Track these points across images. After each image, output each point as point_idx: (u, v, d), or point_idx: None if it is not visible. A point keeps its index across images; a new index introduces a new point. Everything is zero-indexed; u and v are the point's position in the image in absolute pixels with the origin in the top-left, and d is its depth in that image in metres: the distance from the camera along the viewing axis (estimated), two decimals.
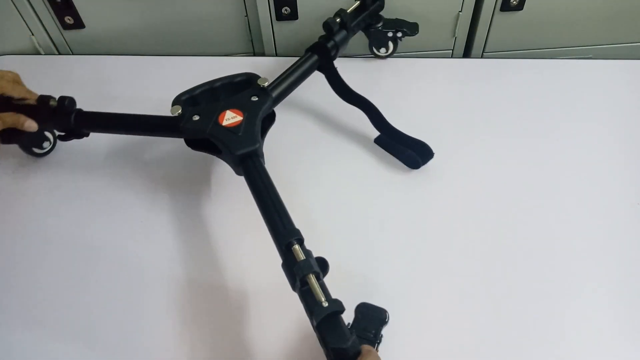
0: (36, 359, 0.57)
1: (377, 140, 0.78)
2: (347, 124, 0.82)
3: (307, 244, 0.52)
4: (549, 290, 0.61)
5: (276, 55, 0.98)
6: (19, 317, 0.61)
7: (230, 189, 0.72)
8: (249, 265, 0.64)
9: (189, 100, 0.68)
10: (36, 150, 0.77)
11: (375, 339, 0.52)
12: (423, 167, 0.74)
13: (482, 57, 0.98)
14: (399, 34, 0.88)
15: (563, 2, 0.90)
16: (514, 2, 0.89)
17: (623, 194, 0.70)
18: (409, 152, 0.74)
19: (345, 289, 0.50)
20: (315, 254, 0.51)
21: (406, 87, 0.88)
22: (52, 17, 0.93)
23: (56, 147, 0.80)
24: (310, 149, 0.78)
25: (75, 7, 0.92)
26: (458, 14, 0.92)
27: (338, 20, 0.79)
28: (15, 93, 0.68)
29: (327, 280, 0.49)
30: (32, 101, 0.69)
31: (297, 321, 0.58)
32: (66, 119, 0.69)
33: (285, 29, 0.93)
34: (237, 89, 0.69)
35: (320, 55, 0.78)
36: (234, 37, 0.97)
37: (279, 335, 0.58)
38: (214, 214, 0.70)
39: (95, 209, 0.72)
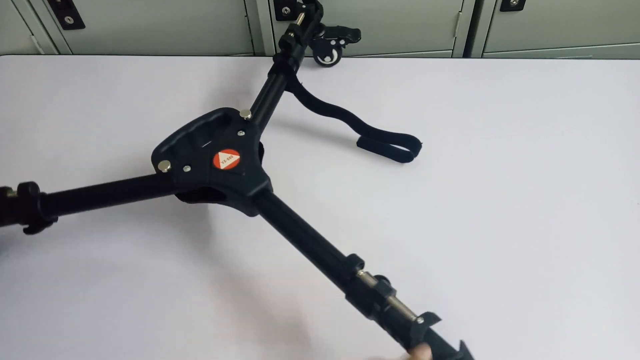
0: None
1: (360, 143, 0.77)
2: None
3: None
4: (549, 289, 0.61)
5: None
6: None
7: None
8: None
9: (168, 151, 0.62)
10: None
11: None
12: (423, 168, 0.74)
13: (482, 57, 0.98)
14: (342, 42, 0.88)
15: (563, 2, 0.90)
16: (514, 2, 0.89)
17: (623, 194, 0.70)
18: (395, 147, 0.74)
19: None
20: None
21: (406, 87, 0.88)
22: (52, 17, 0.93)
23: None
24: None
25: (75, 7, 0.92)
26: (458, 14, 0.92)
27: (292, 35, 0.79)
28: None
29: None
30: None
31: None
32: (32, 209, 0.59)
33: (285, 28, 0.93)
34: (214, 127, 0.66)
35: (286, 74, 0.76)
36: (234, 37, 0.97)
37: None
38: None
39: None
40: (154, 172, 0.60)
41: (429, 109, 0.84)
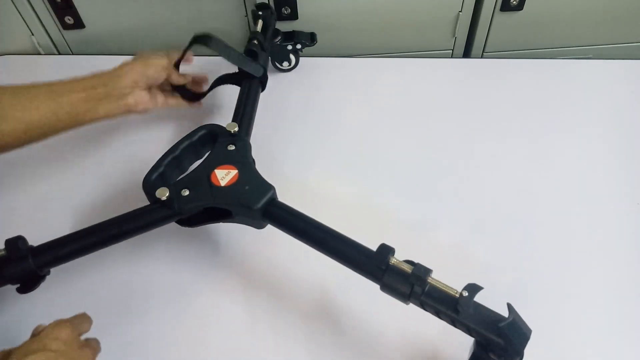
0: None
1: None
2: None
3: None
4: (549, 289, 0.61)
5: None
6: None
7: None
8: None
9: (159, 178, 0.60)
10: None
11: None
12: (422, 167, 0.74)
13: (482, 57, 0.98)
14: (299, 46, 0.88)
15: (563, 2, 0.90)
16: (514, 2, 0.89)
17: (623, 194, 0.71)
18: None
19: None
20: None
21: (406, 87, 0.88)
22: (52, 17, 0.93)
23: None
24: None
25: (75, 7, 0.92)
26: (458, 14, 0.92)
27: (256, 42, 0.78)
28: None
29: None
30: None
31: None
32: (24, 265, 0.53)
33: (285, 28, 0.93)
34: (199, 146, 0.64)
35: (260, 81, 0.77)
36: (234, 37, 0.97)
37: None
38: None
39: None
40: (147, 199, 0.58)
41: (428, 109, 0.84)
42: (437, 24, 0.94)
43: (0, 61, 0.96)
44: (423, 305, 0.47)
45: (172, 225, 0.59)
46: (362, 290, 0.52)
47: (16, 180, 0.76)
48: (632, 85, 0.86)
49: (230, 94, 0.77)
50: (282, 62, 0.90)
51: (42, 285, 0.56)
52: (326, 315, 0.60)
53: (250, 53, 0.77)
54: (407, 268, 0.47)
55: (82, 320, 0.51)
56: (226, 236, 0.68)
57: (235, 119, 0.68)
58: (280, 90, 0.86)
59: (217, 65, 0.79)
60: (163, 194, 0.56)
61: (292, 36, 0.88)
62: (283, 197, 0.58)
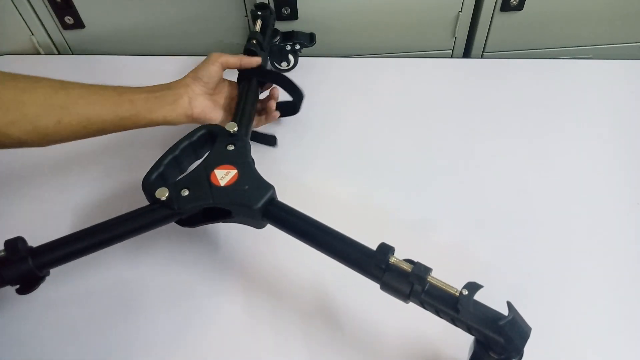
0: None
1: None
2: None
3: None
4: (548, 289, 0.61)
5: None
6: None
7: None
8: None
9: (159, 178, 0.60)
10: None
11: None
12: (422, 167, 0.74)
13: (482, 57, 0.98)
14: (297, 46, 0.88)
15: (563, 2, 0.90)
16: (514, 2, 0.89)
17: (623, 194, 0.70)
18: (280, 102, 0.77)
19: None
20: None
21: (406, 87, 0.88)
22: (52, 17, 0.93)
23: None
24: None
25: (75, 7, 0.92)
26: (458, 14, 0.92)
27: (255, 42, 0.78)
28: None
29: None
30: None
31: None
32: (23, 266, 0.53)
33: (285, 28, 0.93)
34: (198, 147, 0.64)
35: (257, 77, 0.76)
36: (234, 37, 0.97)
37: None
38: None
39: None
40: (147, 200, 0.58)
41: (429, 109, 0.84)
42: (437, 24, 0.94)
43: (0, 61, 0.96)
44: (423, 304, 0.47)
45: (172, 225, 0.59)
46: (362, 290, 0.52)
47: (16, 181, 0.76)
48: (632, 85, 0.86)
49: None
50: (281, 62, 0.90)
51: (41, 285, 0.56)
52: (326, 314, 0.60)
53: (249, 53, 0.77)
54: (407, 267, 0.47)
55: None
56: (225, 236, 0.68)
57: (234, 119, 0.68)
58: (280, 90, 0.86)
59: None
60: (163, 194, 0.56)
61: (291, 36, 0.88)
62: (283, 196, 0.58)
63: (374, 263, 0.49)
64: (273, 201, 0.57)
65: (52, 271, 0.56)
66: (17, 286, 0.54)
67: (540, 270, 0.63)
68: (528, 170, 0.74)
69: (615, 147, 0.77)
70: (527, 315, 0.46)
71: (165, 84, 0.68)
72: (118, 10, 0.93)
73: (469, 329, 0.45)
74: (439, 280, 0.47)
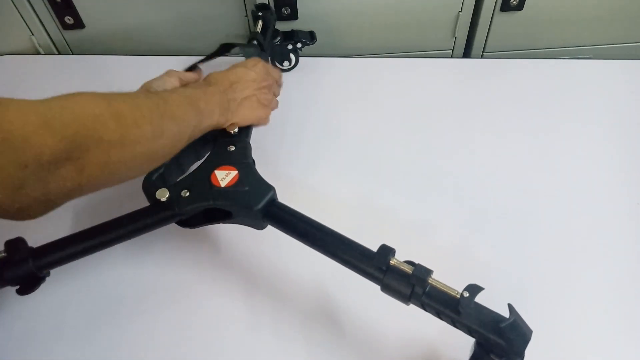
0: None
1: None
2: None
3: None
4: (548, 289, 0.61)
5: None
6: None
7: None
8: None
9: (159, 178, 0.59)
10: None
11: None
12: (422, 167, 0.74)
13: (482, 57, 0.98)
14: (299, 45, 0.88)
15: (563, 2, 0.90)
16: (514, 2, 0.89)
17: (623, 194, 0.71)
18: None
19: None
20: None
21: (406, 87, 0.88)
22: (52, 17, 0.93)
23: None
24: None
25: (75, 7, 0.92)
26: (458, 14, 0.92)
27: (256, 43, 0.78)
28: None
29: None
30: None
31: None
32: (24, 266, 0.53)
33: (285, 28, 0.93)
34: (199, 147, 0.64)
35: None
36: (234, 37, 0.97)
37: None
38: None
39: None
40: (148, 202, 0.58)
41: (429, 109, 0.84)
42: (437, 24, 0.94)
43: (0, 61, 0.96)
44: (424, 306, 0.47)
45: (172, 226, 0.59)
46: (363, 291, 0.52)
47: None
48: (632, 85, 0.86)
49: None
50: (283, 62, 0.90)
51: (42, 285, 0.56)
52: (326, 315, 0.60)
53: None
54: (408, 269, 0.47)
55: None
56: (226, 236, 0.68)
57: None
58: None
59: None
60: (163, 194, 0.56)
61: (292, 35, 0.88)
62: (283, 197, 0.58)
63: (375, 265, 0.49)
64: (274, 202, 0.57)
65: (52, 271, 0.56)
66: (17, 287, 0.54)
67: (541, 271, 0.63)
68: (528, 170, 0.74)
69: (615, 147, 0.77)
70: (528, 316, 0.46)
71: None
72: (118, 10, 0.93)
73: (469, 332, 0.45)
74: (439, 282, 0.47)
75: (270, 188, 0.57)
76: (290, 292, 0.62)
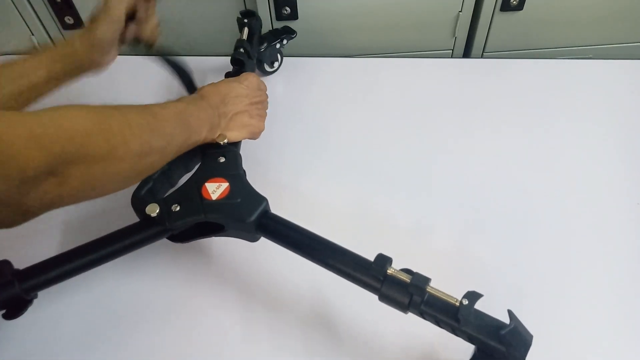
0: None
1: None
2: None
3: None
4: (548, 289, 0.61)
5: None
6: None
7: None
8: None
9: (148, 193, 0.58)
10: None
11: None
12: (422, 166, 0.74)
13: (482, 57, 0.98)
14: (284, 41, 0.87)
15: (563, 2, 0.90)
16: (514, 2, 0.89)
17: (623, 194, 0.70)
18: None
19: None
20: None
21: (406, 87, 0.88)
22: (52, 17, 0.93)
23: None
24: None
25: (75, 7, 0.92)
26: (458, 14, 0.92)
27: (242, 51, 0.78)
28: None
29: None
30: None
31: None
32: (10, 290, 0.51)
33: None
34: (188, 160, 0.62)
35: None
36: (234, 37, 0.97)
37: None
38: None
39: None
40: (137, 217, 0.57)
41: (429, 109, 0.84)
42: (437, 24, 0.94)
43: (0, 61, 0.96)
44: (423, 315, 0.47)
45: (163, 240, 0.58)
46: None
47: None
48: (632, 85, 0.86)
49: None
50: (273, 63, 0.89)
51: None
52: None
53: (237, 62, 0.77)
54: (406, 278, 0.47)
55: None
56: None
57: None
58: (278, 92, 0.86)
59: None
60: (153, 210, 0.55)
61: (276, 34, 0.87)
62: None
63: (372, 274, 0.48)
64: (266, 214, 0.56)
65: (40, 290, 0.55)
66: (3, 311, 0.52)
67: (541, 273, 0.62)
68: (528, 170, 0.74)
69: (615, 147, 0.77)
70: (529, 319, 0.45)
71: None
72: None
73: (470, 339, 0.45)
74: (438, 290, 0.46)
75: (262, 199, 0.56)
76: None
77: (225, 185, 0.57)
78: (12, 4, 0.90)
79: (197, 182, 0.58)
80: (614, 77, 0.88)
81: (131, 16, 0.65)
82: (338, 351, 0.56)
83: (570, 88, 0.86)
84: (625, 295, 0.60)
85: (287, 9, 0.90)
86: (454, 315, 0.45)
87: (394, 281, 0.47)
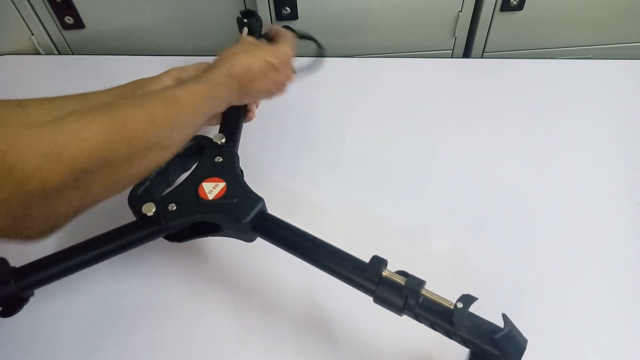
0: None
1: None
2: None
3: None
4: (547, 289, 0.61)
5: None
6: None
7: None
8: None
9: (145, 192, 0.58)
10: None
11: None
12: (422, 166, 0.74)
13: (482, 57, 0.98)
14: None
15: (563, 2, 0.90)
16: (514, 2, 0.89)
17: (623, 194, 0.70)
18: None
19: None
20: None
21: (406, 87, 0.88)
22: (52, 17, 0.93)
23: None
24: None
25: (75, 7, 0.92)
26: (458, 14, 0.92)
27: None
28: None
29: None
30: None
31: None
32: (6, 288, 0.51)
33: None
34: (186, 159, 0.63)
35: None
36: (235, 37, 0.97)
37: None
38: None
39: None
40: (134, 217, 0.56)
41: (429, 109, 0.84)
42: (437, 24, 0.94)
43: (0, 61, 0.96)
44: (417, 317, 0.47)
45: (159, 240, 0.58)
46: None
47: None
48: (632, 85, 0.86)
49: None
50: None
51: (25, 305, 0.54)
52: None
53: None
54: (401, 280, 0.47)
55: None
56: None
57: (222, 130, 0.66)
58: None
59: None
60: (150, 209, 0.55)
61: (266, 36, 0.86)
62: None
63: (367, 276, 0.48)
64: (263, 214, 0.56)
65: (37, 290, 0.55)
66: (0, 309, 0.53)
67: (541, 274, 0.62)
68: (528, 170, 0.74)
69: (615, 147, 0.77)
70: (525, 322, 0.45)
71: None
72: (118, 10, 0.93)
73: (464, 342, 0.45)
74: (433, 293, 0.46)
75: (259, 200, 0.56)
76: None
77: (222, 185, 0.57)
78: (12, 4, 0.90)
79: (194, 182, 0.58)
80: (614, 77, 0.88)
81: None
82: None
83: (570, 88, 0.86)
84: (625, 296, 0.60)
85: (287, 8, 0.90)
86: (448, 318, 0.44)
87: (389, 283, 0.47)
